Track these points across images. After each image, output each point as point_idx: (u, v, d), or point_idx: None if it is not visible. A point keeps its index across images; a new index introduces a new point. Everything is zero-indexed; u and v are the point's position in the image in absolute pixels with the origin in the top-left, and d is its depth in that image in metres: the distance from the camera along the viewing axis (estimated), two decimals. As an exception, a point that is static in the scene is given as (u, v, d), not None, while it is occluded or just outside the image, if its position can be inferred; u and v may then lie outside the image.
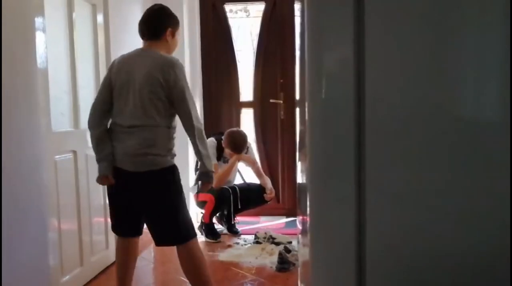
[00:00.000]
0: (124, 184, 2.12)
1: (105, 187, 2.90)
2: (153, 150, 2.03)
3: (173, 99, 2.04)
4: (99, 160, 2.14)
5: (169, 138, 2.10)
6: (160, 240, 2.17)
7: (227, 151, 3.66)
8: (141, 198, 2.12)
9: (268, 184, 3.78)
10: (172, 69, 2.02)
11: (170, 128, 2.10)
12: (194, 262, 2.13)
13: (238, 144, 3.60)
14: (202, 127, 2.12)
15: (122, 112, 2.07)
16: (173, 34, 2.20)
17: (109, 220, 2.96)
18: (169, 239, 2.16)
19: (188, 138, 2.11)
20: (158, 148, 2.05)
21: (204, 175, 2.16)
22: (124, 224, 2.25)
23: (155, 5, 2.24)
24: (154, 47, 2.14)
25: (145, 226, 2.25)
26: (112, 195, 2.23)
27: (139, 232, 2.28)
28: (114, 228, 2.30)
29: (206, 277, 2.16)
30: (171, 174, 2.12)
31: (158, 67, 2.01)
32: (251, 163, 3.76)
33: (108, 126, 2.15)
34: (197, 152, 2.09)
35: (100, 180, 2.16)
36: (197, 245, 2.18)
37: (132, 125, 2.04)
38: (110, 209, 2.28)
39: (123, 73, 2.08)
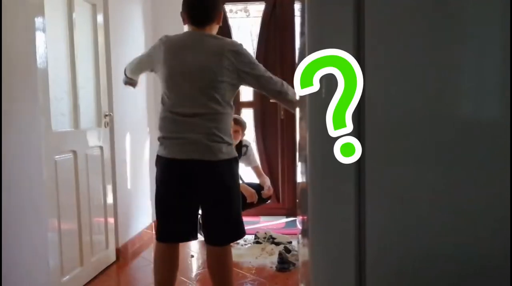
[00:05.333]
0: (187, 174, 1.96)
1: (105, 186, 2.94)
2: (223, 138, 1.95)
3: (249, 81, 1.97)
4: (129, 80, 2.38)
5: (230, 126, 2.02)
6: (216, 237, 2.03)
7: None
8: (207, 189, 1.99)
9: (267, 182, 3.77)
10: (240, 51, 1.95)
11: (230, 115, 2.02)
12: (228, 265, 2.05)
13: (237, 118, 3.74)
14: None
15: (181, 101, 1.95)
16: (221, 18, 2.10)
17: (109, 219, 2.99)
18: (225, 237, 2.04)
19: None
20: (226, 135, 1.97)
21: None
22: (179, 224, 2.04)
23: None
24: (208, 31, 2.02)
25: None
26: (167, 190, 2.03)
27: (196, 234, 2.09)
28: (163, 234, 2.05)
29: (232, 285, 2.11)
30: (237, 166, 2.07)
31: (223, 51, 1.92)
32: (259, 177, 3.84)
33: (163, 115, 2.02)
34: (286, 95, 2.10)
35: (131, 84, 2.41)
36: (231, 248, 2.10)
37: (195, 114, 1.92)
38: (161, 210, 2.07)
39: (178, 59, 1.96)
